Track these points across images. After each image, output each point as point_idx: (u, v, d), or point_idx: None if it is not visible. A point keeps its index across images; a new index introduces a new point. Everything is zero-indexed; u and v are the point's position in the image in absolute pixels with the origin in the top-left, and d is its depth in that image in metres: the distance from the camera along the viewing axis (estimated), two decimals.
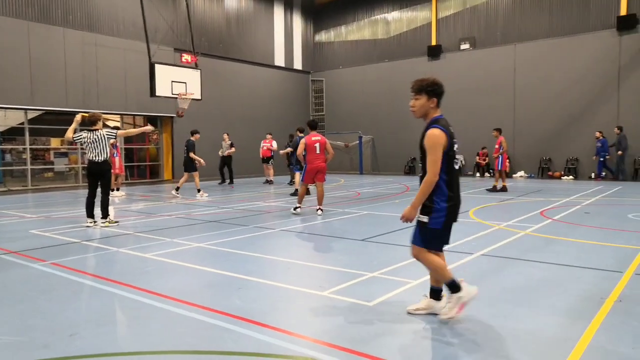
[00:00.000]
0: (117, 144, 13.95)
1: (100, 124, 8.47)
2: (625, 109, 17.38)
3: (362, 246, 6.51)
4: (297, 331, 3.54)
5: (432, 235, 3.67)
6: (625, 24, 17.23)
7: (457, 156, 3.68)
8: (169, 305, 4.12)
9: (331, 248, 6.56)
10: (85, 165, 8.57)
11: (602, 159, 17.40)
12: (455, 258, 5.62)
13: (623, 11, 17.40)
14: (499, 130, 13.88)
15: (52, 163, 18.96)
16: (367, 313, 3.87)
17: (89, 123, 8.48)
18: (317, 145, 9.56)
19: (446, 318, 3.65)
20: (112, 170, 13.87)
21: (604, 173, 17.51)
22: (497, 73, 20.20)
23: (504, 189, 13.53)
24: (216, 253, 6.21)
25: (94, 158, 8.24)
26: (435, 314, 3.77)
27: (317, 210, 9.53)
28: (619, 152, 16.77)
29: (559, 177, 18.41)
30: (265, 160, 18.06)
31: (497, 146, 13.75)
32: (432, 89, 3.64)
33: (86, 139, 8.25)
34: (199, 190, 13.12)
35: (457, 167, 3.68)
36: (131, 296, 4.38)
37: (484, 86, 20.54)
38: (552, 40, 18.97)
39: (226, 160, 17.40)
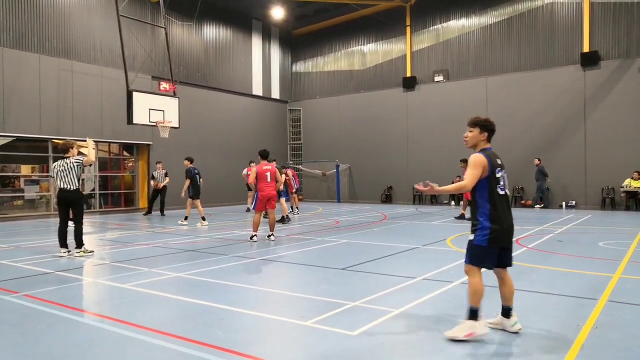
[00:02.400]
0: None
1: (73, 151, 8.31)
2: (591, 139, 18.11)
3: (342, 275, 6.51)
4: None
5: (475, 251, 4.02)
6: (588, 60, 18.13)
7: (501, 182, 4.02)
8: (149, 336, 4.03)
9: (312, 277, 6.55)
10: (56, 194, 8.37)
11: None
12: (435, 286, 5.69)
13: (586, 48, 18.32)
14: (466, 161, 14.22)
15: (22, 191, 18.45)
16: (350, 343, 3.87)
17: (61, 151, 8.36)
18: (268, 174, 9.85)
19: (450, 337, 3.91)
20: None
21: None
22: (469, 104, 20.82)
23: (462, 217, 14.01)
24: (196, 283, 6.12)
25: (64, 186, 8.05)
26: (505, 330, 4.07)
27: (270, 236, 9.83)
28: (548, 180, 18.19)
29: (531, 206, 18.87)
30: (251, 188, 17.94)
31: (464, 176, 14.10)
32: (484, 125, 4.22)
33: (57, 167, 8.11)
34: (203, 218, 13.26)
35: (501, 192, 4.02)
36: (109, 328, 4.27)
37: (457, 117, 21.09)
38: (520, 73, 19.78)
39: (161, 191, 16.49)
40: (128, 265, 7.32)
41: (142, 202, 19.96)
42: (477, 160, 4.01)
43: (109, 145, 20.12)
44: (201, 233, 11.49)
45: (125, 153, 20.71)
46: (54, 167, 8.18)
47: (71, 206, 8.20)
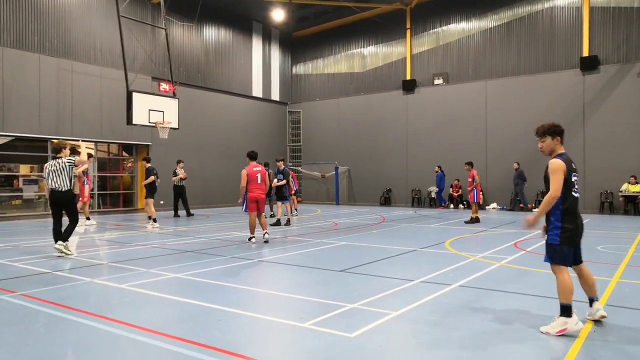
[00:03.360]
0: (88, 172, 13.66)
1: (66, 152, 8.20)
2: (590, 144, 18.12)
3: (341, 277, 6.50)
4: None
5: (552, 250, 4.24)
6: (587, 65, 18.17)
7: (576, 186, 4.28)
8: (146, 337, 4.02)
9: (310, 279, 6.53)
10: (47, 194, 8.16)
11: (440, 191, 21.05)
12: (433, 289, 5.68)
13: (585, 52, 18.37)
14: (471, 164, 14.22)
15: (20, 190, 18.42)
16: (348, 345, 3.86)
17: (55, 151, 8.21)
18: (259, 175, 9.69)
19: (544, 332, 4.10)
20: (80, 199, 13.67)
21: (444, 203, 21.00)
22: (469, 107, 20.87)
23: (476, 220, 13.83)
24: (194, 284, 6.11)
25: (56, 187, 7.91)
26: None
27: (264, 234, 9.79)
28: (526, 185, 18.54)
29: (531, 210, 18.87)
30: None
31: (470, 179, 14.06)
32: (553, 130, 4.38)
33: (48, 168, 7.98)
34: (154, 220, 13.04)
35: (575, 195, 4.28)
36: (107, 328, 4.26)
37: (457, 120, 21.16)
38: (520, 77, 19.82)
39: (182, 192, 16.41)
40: (126, 265, 7.31)
41: (141, 203, 19.92)
42: (556, 165, 4.22)
43: (108, 146, 20.10)
44: (199, 234, 11.47)
45: (124, 153, 20.69)
46: (46, 167, 8.07)
47: (64, 207, 8.05)
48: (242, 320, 4.56)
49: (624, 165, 17.31)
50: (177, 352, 3.70)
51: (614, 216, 16.61)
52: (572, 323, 4.04)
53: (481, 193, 15.08)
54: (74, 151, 9.09)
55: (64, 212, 8.15)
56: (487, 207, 19.94)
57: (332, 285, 6.01)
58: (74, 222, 8.14)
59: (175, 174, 16.51)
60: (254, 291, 5.84)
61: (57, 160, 8.06)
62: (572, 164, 4.30)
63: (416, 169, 22.30)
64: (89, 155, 13.77)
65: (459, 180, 20.59)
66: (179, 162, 16.74)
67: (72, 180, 8.14)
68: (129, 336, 4.05)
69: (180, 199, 16.56)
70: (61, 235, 8.07)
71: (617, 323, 4.43)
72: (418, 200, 22.07)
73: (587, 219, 15.07)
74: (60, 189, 7.93)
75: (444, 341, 3.95)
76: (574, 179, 4.27)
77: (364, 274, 6.68)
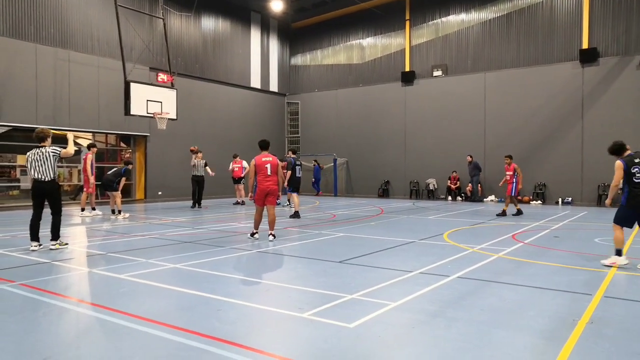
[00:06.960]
0: (94, 162, 13.65)
1: (49, 141, 7.94)
2: (589, 136, 18.14)
3: (340, 268, 6.52)
4: (277, 353, 3.52)
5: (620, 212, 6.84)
6: (587, 57, 18.12)
7: (637, 175, 6.49)
8: (146, 327, 4.03)
9: (309, 269, 6.55)
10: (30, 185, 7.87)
11: (316, 181, 24.15)
12: (432, 280, 5.70)
13: (585, 45, 18.31)
14: (511, 157, 13.97)
15: (18, 180, 18.38)
16: (347, 335, 3.88)
17: (37, 140, 7.88)
18: (268, 166, 8.94)
19: (603, 264, 6.61)
20: (85, 190, 13.62)
21: (319, 191, 24.26)
22: (468, 99, 20.83)
23: (519, 212, 13.74)
24: (193, 274, 6.12)
25: (38, 177, 7.67)
26: None
27: (269, 235, 9.03)
28: (480, 174, 19.17)
29: (528, 202, 18.92)
30: (237, 181, 17.92)
31: (510, 172, 13.70)
32: (611, 149, 6.88)
33: (30, 157, 7.73)
34: (120, 212, 13.19)
35: (637, 180, 6.50)
36: (106, 318, 4.27)
37: (456, 112, 21.14)
38: (519, 69, 19.77)
39: (199, 184, 16.14)
40: (125, 255, 7.31)
41: (139, 193, 19.91)
42: (617, 165, 6.59)
43: (106, 136, 20.04)
44: (197, 225, 11.47)
45: (122, 144, 20.63)
46: (28, 156, 7.78)
47: (47, 198, 7.80)
48: (241, 310, 4.57)
49: None
50: (176, 341, 3.71)
51: (611, 209, 16.62)
52: (619, 260, 6.49)
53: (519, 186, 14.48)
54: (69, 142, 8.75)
55: (46, 203, 7.85)
56: (484, 200, 19.98)
57: (331, 276, 6.02)
58: (57, 214, 7.86)
59: (194, 165, 16.20)
60: (253, 281, 5.85)
61: (40, 149, 7.76)
62: (635, 159, 6.46)
63: (414, 161, 22.30)
64: (91, 145, 13.77)
65: (456, 172, 20.63)
66: (198, 152, 16.51)
67: (56, 171, 7.90)
68: (128, 325, 4.06)
69: (198, 189, 16.01)
70: (38, 232, 7.82)
71: (614, 315, 4.46)
72: (416, 192, 22.10)
73: (584, 211, 15.18)
74: (43, 179, 7.69)
75: (443, 331, 3.98)
76: (634, 170, 6.45)
77: (363, 265, 6.70)
